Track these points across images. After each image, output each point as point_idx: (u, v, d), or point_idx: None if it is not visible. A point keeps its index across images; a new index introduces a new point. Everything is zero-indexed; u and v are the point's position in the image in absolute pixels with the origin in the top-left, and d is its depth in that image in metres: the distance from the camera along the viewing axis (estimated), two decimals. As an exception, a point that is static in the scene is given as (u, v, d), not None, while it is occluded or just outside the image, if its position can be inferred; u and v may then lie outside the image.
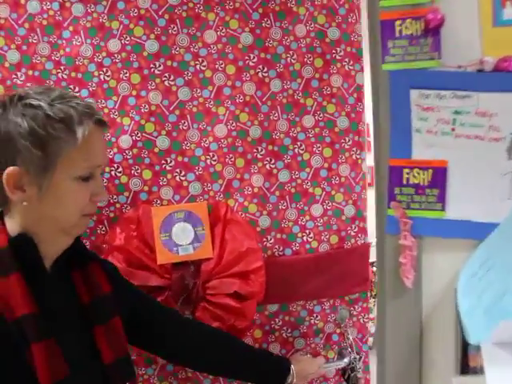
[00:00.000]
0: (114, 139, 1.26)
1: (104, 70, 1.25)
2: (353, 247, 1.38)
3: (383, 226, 1.28)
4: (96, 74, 1.25)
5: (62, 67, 1.24)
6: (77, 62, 1.24)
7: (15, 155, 0.85)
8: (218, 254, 1.26)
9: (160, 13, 1.25)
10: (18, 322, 0.82)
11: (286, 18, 1.30)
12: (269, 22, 1.30)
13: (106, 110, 1.25)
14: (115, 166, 1.27)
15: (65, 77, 1.24)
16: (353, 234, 1.38)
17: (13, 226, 0.90)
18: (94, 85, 1.25)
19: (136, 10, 1.24)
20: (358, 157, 1.37)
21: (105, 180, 1.26)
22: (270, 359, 1.24)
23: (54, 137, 0.85)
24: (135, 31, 1.25)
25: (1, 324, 0.82)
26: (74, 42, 1.24)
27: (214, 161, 1.29)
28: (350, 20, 1.33)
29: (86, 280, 0.96)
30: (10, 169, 0.85)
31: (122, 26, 1.24)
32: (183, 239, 1.26)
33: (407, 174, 1.25)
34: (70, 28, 1.23)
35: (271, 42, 1.30)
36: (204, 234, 1.26)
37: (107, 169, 1.26)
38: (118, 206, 1.28)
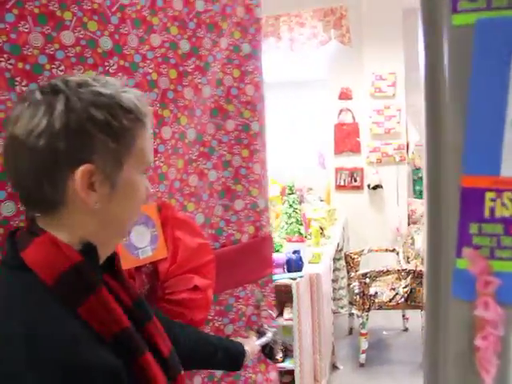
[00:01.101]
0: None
1: (57, 63, 1.12)
2: (265, 235, 1.60)
3: (447, 286, 0.80)
4: (48, 67, 1.11)
5: (5, 55, 1.06)
6: (25, 52, 1.09)
7: (91, 150, 0.77)
8: (171, 253, 1.31)
9: (113, 10, 1.20)
10: (120, 337, 0.78)
11: (214, 30, 1.42)
12: (202, 32, 1.39)
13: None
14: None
15: (9, 67, 1.07)
16: (264, 223, 1.59)
17: (63, 233, 0.79)
18: (45, 79, 1.11)
19: (90, 4, 1.16)
20: (265, 156, 1.62)
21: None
22: (233, 345, 1.33)
23: (127, 128, 0.80)
24: (89, 25, 1.16)
25: (104, 350, 0.74)
26: (21, 28, 1.08)
27: (162, 162, 1.32)
28: (257, 38, 1.54)
29: (122, 283, 0.91)
30: (86, 166, 0.76)
31: (75, 18, 1.14)
32: (142, 242, 1.26)
33: (492, 201, 0.77)
34: (15, 11, 1.07)
35: (204, 50, 1.40)
36: (157, 235, 1.29)
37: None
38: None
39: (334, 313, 4.14)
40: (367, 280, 3.42)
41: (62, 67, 1.13)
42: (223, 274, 1.44)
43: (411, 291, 3.47)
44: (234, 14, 1.46)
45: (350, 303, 4.01)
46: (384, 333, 4.10)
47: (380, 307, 3.51)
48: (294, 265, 2.85)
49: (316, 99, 5.31)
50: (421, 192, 5.64)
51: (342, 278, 4.54)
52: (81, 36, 1.15)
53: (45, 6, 1.09)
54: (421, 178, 5.65)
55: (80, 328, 0.74)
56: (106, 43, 1.19)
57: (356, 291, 3.56)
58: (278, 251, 3.21)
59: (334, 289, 4.43)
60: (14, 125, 0.76)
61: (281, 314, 2.87)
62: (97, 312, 0.76)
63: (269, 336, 1.49)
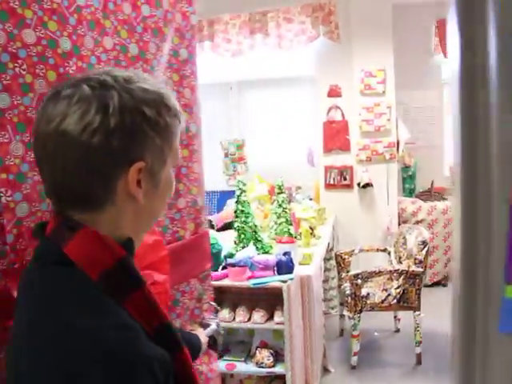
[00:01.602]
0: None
1: (19, 62, 1.07)
2: (204, 232, 1.70)
3: (490, 318, 0.67)
4: (11, 65, 1.06)
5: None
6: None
7: (143, 148, 0.78)
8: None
9: (70, 10, 1.18)
10: (162, 332, 0.78)
11: (158, 35, 1.46)
12: (148, 36, 1.43)
13: (21, 108, 1.08)
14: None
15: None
16: (203, 220, 1.66)
17: (103, 229, 0.78)
18: (8, 77, 1.05)
19: (49, 3, 1.13)
20: (202, 155, 1.66)
21: (28, 188, 1.08)
22: (193, 337, 1.36)
23: (169, 125, 0.82)
24: (49, 25, 1.13)
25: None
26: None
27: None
28: (193, 43, 1.61)
29: None
30: (139, 163, 0.77)
31: (36, 17, 1.10)
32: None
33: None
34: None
35: (149, 54, 1.44)
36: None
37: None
38: (39, 214, 1.12)
39: (325, 314, 4.07)
40: (359, 281, 3.35)
41: (25, 66, 1.08)
42: (172, 270, 1.46)
43: (403, 292, 3.41)
44: (173, 20, 1.52)
45: (341, 304, 3.94)
46: (375, 334, 4.04)
47: (372, 308, 3.44)
48: (284, 267, 2.77)
49: (304, 97, 5.23)
50: (410, 190, 5.59)
51: (333, 279, 4.48)
52: (42, 35, 1.12)
53: (6, 2, 1.04)
54: (410, 177, 5.60)
55: (133, 320, 0.74)
56: (65, 44, 1.17)
57: (347, 292, 3.49)
58: (267, 252, 3.12)
59: (325, 289, 4.36)
60: (62, 121, 0.74)
61: (271, 317, 2.78)
62: (141, 307, 0.77)
63: (213, 327, 1.50)
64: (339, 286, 3.84)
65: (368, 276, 3.39)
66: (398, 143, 4.74)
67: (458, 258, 0.70)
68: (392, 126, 4.69)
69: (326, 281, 4.45)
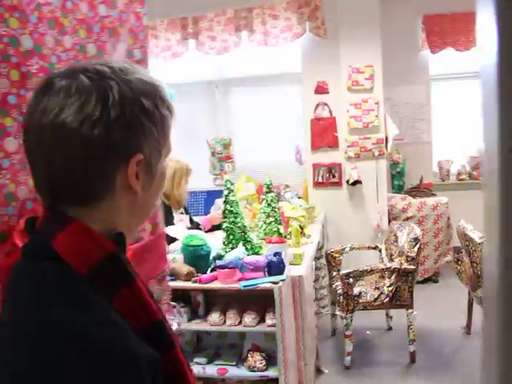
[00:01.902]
0: (-2, 142, 1.04)
1: None
2: (161, 232, 1.68)
3: None
4: None
5: None
6: None
7: (142, 140, 0.77)
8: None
9: (31, 8, 1.14)
10: (153, 330, 0.75)
11: (114, 35, 1.44)
12: (105, 36, 1.40)
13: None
14: (3, 172, 1.05)
15: None
16: (159, 221, 1.64)
17: (96, 223, 0.76)
18: None
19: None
20: None
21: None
22: None
23: (165, 117, 0.81)
24: (11, 22, 1.08)
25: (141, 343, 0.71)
26: None
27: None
28: (145, 44, 1.58)
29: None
30: (139, 155, 0.77)
31: None
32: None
33: None
34: None
35: (106, 55, 1.42)
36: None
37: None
38: (5, 219, 1.06)
39: (316, 313, 4.01)
40: (351, 280, 3.29)
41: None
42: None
43: (396, 290, 3.36)
44: (128, 21, 1.50)
45: (333, 303, 3.88)
46: (368, 332, 3.99)
47: (364, 308, 3.39)
48: (275, 268, 2.70)
49: (291, 94, 5.17)
50: (399, 187, 5.55)
51: (323, 277, 4.41)
52: (3, 33, 1.06)
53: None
54: (399, 173, 5.57)
55: (121, 318, 0.71)
56: (27, 42, 1.12)
57: (339, 292, 3.43)
58: (257, 253, 3.05)
59: (315, 288, 4.29)
60: (60, 112, 0.71)
61: (262, 319, 2.72)
62: (131, 303, 0.74)
63: (177, 326, 1.56)
64: (330, 285, 3.79)
65: (360, 275, 3.33)
66: (386, 139, 4.69)
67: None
68: (380, 122, 4.64)
69: (316, 280, 4.38)
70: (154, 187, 0.83)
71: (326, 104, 4.82)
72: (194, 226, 4.01)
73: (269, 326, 2.66)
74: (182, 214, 4.05)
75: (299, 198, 4.76)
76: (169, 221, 3.80)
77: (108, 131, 0.72)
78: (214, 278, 2.72)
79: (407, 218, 4.92)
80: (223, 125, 5.34)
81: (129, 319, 0.72)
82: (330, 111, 4.81)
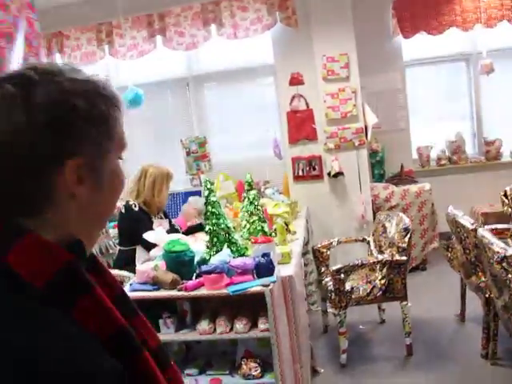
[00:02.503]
0: None
1: None
2: None
3: None
4: None
5: None
6: None
7: (77, 142, 0.73)
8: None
9: None
10: (117, 337, 0.72)
11: (10, 41, 1.44)
12: (3, 42, 1.38)
13: None
14: None
15: None
16: None
17: (48, 232, 0.73)
18: None
19: None
20: None
21: None
22: None
23: (106, 115, 0.77)
24: None
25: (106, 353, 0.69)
26: None
27: None
28: (40, 51, 1.64)
29: (104, 278, 0.84)
30: (75, 159, 0.72)
31: None
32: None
33: None
34: None
35: (6, 61, 1.42)
36: None
37: None
38: None
39: (306, 310, 3.89)
40: (342, 276, 3.17)
41: None
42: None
43: (389, 283, 3.25)
44: (22, 27, 1.44)
45: (323, 300, 3.76)
46: (360, 327, 3.88)
47: (358, 303, 3.28)
48: (264, 269, 2.56)
49: (266, 87, 5.03)
50: (380, 176, 5.46)
51: (311, 273, 4.29)
52: None
53: None
54: (379, 162, 5.48)
55: (81, 331, 0.69)
56: None
57: (330, 288, 3.31)
58: (244, 255, 2.91)
59: (304, 285, 4.17)
60: None
61: (255, 325, 2.57)
62: (92, 313, 0.71)
63: None
64: (319, 281, 3.66)
65: (351, 269, 3.21)
66: (366, 128, 4.59)
67: None
68: (359, 111, 4.53)
69: (304, 276, 4.26)
70: (107, 188, 0.79)
71: (301, 96, 4.69)
72: (174, 229, 3.85)
73: (262, 331, 2.51)
74: (161, 218, 3.88)
75: (280, 193, 4.63)
76: (148, 227, 3.63)
77: (37, 138, 0.70)
78: (200, 285, 2.57)
79: (391, 207, 4.84)
80: (197, 123, 5.17)
81: (91, 329, 0.70)
82: (307, 103, 4.69)
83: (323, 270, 3.69)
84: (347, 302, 3.22)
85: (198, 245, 3.20)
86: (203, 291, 2.52)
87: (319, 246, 3.77)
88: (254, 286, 2.46)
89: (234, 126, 5.09)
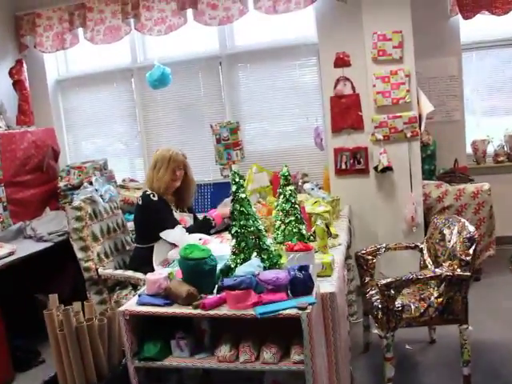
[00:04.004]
0: None
1: None
2: None
3: None
4: None
5: None
6: None
7: None
8: None
9: None
10: None
11: None
12: None
13: None
14: None
15: None
16: None
17: None
18: None
19: None
20: None
21: None
22: None
23: None
24: None
25: None
26: None
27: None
28: None
29: None
30: None
31: None
32: None
33: None
34: None
35: None
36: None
37: None
38: None
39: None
40: (392, 292, 2.66)
41: None
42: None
43: (447, 302, 2.73)
44: None
45: (365, 314, 3.26)
46: (407, 347, 3.36)
47: (409, 324, 2.76)
48: (301, 286, 2.07)
49: (307, 68, 4.50)
50: (430, 172, 4.88)
51: (352, 280, 3.80)
52: None
53: None
54: (430, 156, 4.88)
55: None
56: None
57: (376, 304, 2.80)
58: (276, 264, 2.43)
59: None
60: None
61: (286, 353, 2.09)
62: None
63: None
64: (364, 294, 3.15)
65: (403, 285, 2.70)
66: (420, 118, 4.03)
67: None
68: (413, 97, 3.97)
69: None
70: None
71: (347, 79, 4.16)
72: (207, 223, 3.41)
73: (295, 363, 2.03)
74: (184, 212, 3.44)
75: (320, 188, 4.13)
76: (170, 220, 3.20)
77: None
78: (222, 302, 2.10)
79: (444, 208, 4.28)
80: (229, 107, 4.69)
81: None
82: (353, 87, 4.15)
83: (367, 279, 3.18)
84: (396, 323, 2.71)
85: (223, 247, 2.75)
86: (224, 311, 2.05)
87: (364, 252, 3.25)
88: (288, 308, 1.98)
89: (270, 112, 4.59)
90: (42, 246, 3.97)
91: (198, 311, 2.07)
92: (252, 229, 2.43)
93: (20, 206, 4.27)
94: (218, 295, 2.14)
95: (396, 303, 2.70)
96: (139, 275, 3.10)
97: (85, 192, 3.44)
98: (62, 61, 5.12)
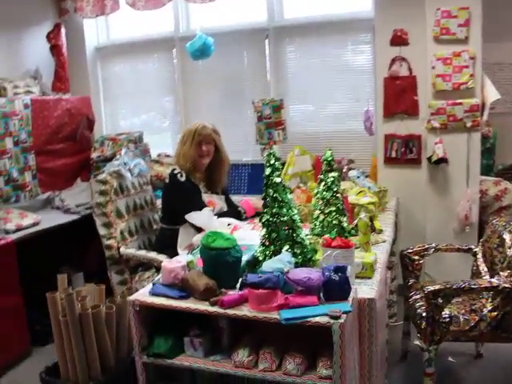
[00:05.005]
0: None
1: None
2: None
3: None
4: None
5: None
6: None
7: None
8: None
9: None
10: None
11: None
12: None
13: None
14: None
15: None
16: None
17: None
18: None
19: None
20: None
21: None
22: None
23: None
24: None
25: None
26: None
27: None
28: None
29: None
30: None
31: None
32: None
33: None
34: None
35: None
36: None
37: None
38: None
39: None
40: (439, 300, 2.34)
41: None
42: None
43: (503, 317, 2.39)
44: None
45: (406, 319, 2.95)
46: (450, 359, 3.04)
47: (456, 339, 2.44)
48: (336, 291, 1.79)
49: (361, 45, 4.13)
50: (488, 167, 4.45)
51: (394, 279, 3.48)
52: None
53: None
54: (489, 150, 4.45)
55: None
56: None
57: (420, 313, 2.49)
58: (310, 260, 2.15)
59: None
60: None
61: (312, 365, 1.82)
62: None
63: None
64: (406, 297, 2.83)
65: (453, 294, 2.37)
66: (483, 106, 3.62)
67: None
68: (476, 83, 3.57)
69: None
70: None
71: (404, 59, 3.78)
72: (236, 211, 3.17)
73: (321, 378, 1.76)
74: (214, 194, 3.19)
75: (366, 176, 3.80)
76: (197, 203, 2.96)
77: None
78: (244, 300, 1.84)
79: (501, 208, 3.87)
80: (274, 83, 4.37)
81: None
82: (410, 68, 3.77)
83: (411, 282, 2.86)
84: (442, 336, 2.39)
85: (253, 235, 2.48)
86: (245, 311, 1.79)
87: (410, 251, 2.93)
88: (318, 315, 1.70)
89: (317, 90, 4.25)
90: (68, 218, 3.82)
91: (215, 309, 1.82)
92: (285, 218, 2.16)
93: (50, 176, 4.12)
94: (240, 292, 1.88)
95: (443, 313, 2.38)
96: (162, 258, 2.88)
97: (112, 165, 3.22)
98: (103, 28, 4.92)
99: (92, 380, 2.02)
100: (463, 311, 2.49)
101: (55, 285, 2.80)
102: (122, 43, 4.84)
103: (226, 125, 4.46)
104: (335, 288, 1.80)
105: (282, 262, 1.95)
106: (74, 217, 3.81)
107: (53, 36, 4.36)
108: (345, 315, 1.69)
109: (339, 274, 1.81)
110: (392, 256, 3.39)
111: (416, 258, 2.89)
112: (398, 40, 3.78)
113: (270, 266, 1.94)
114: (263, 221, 2.19)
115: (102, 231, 3.08)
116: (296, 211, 2.24)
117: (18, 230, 3.39)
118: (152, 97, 4.85)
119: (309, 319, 1.69)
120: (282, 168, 4.10)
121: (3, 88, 3.88)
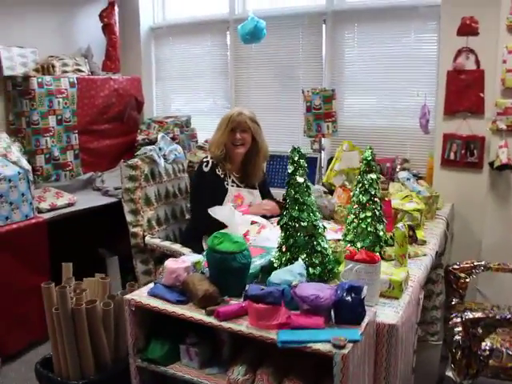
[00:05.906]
0: None
1: None
2: None
3: None
4: None
5: None
6: None
7: None
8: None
9: None
10: None
11: None
12: None
13: None
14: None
15: None
16: None
17: None
18: None
19: None
20: None
21: None
22: None
23: None
24: None
25: None
26: None
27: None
28: None
29: None
30: None
31: None
32: None
33: None
34: None
35: None
36: None
37: None
38: None
39: (421, 341, 2.83)
40: (479, 331, 2.04)
41: None
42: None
43: (555, 355, 2.06)
44: None
45: (446, 341, 2.65)
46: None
47: (496, 375, 2.13)
48: (346, 313, 1.56)
49: (424, 33, 3.77)
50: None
51: (439, 295, 3.18)
52: None
53: None
54: None
55: None
56: None
57: (458, 341, 2.20)
58: (331, 273, 1.92)
59: (425, 308, 3.08)
60: None
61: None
62: None
63: None
64: (446, 318, 2.54)
65: (496, 324, 2.07)
66: (559, 108, 3.20)
67: None
68: (554, 81, 3.15)
69: (428, 296, 3.16)
70: None
71: (471, 50, 3.40)
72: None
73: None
74: (247, 187, 3.01)
75: (420, 178, 3.48)
76: (218, 197, 2.79)
77: None
78: (243, 312, 1.65)
79: None
80: (328, 72, 4.10)
81: None
82: (478, 61, 3.39)
83: (455, 301, 2.56)
84: (479, 371, 2.09)
85: (273, 235, 2.28)
86: (242, 326, 1.60)
87: (456, 267, 2.61)
88: (321, 341, 1.48)
89: (373, 82, 3.94)
90: (106, 200, 3.77)
91: (211, 319, 1.64)
92: (306, 224, 1.94)
93: (93, 156, 4.09)
94: (240, 303, 1.69)
95: (483, 345, 2.08)
96: (185, 251, 2.73)
97: (145, 149, 3.10)
98: (159, 7, 4.82)
99: (84, 377, 1.90)
100: (507, 344, 2.17)
101: (90, 267, 2.74)
102: (176, 24, 4.71)
103: (276, 113, 4.25)
104: (346, 310, 1.57)
105: (292, 273, 1.74)
106: (112, 199, 3.75)
107: (106, 15, 4.29)
108: (351, 344, 1.46)
109: (352, 295, 1.57)
110: (439, 268, 3.09)
111: (462, 275, 2.58)
112: (467, 29, 3.40)
113: (278, 277, 1.74)
114: (281, 224, 1.99)
115: (128, 218, 2.97)
116: (319, 216, 2.01)
117: (52, 209, 3.36)
118: (204, 79, 4.71)
119: (309, 345, 1.47)
120: (329, 163, 3.87)
121: (52, 65, 3.86)
